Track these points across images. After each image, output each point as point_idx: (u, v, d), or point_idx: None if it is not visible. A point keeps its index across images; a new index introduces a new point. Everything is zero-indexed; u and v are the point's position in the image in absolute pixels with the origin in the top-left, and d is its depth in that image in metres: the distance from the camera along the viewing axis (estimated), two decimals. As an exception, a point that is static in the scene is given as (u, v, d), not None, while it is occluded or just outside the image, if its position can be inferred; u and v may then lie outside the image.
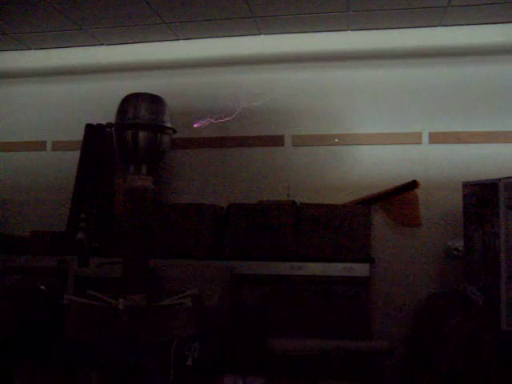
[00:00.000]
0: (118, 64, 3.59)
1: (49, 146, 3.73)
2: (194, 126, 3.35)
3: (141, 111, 2.32)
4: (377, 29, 3.22)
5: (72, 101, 3.68)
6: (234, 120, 3.36)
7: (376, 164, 3.23)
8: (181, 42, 3.49)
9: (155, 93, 2.43)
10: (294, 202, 3.10)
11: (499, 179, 1.98)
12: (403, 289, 3.10)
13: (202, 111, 3.38)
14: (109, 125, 2.42)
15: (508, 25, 3.07)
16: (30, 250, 3.18)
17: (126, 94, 2.41)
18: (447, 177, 3.10)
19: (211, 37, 3.41)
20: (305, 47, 3.35)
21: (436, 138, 3.17)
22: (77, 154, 3.39)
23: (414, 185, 3.04)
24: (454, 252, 2.80)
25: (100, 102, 3.51)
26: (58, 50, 3.65)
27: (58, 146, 3.70)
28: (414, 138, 3.19)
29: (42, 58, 3.70)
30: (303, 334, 2.69)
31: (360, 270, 2.84)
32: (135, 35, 3.39)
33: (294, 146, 3.36)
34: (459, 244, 2.72)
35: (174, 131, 2.48)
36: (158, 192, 2.89)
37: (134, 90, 2.43)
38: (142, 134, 2.31)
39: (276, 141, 3.37)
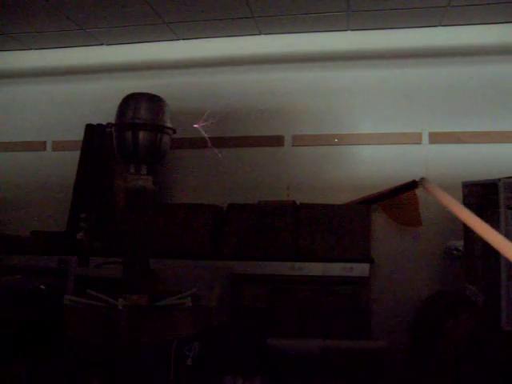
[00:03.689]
0: (118, 64, 3.59)
1: (49, 146, 3.73)
2: (194, 126, 3.34)
3: (141, 111, 2.31)
4: (377, 29, 3.22)
5: (72, 101, 3.68)
6: (233, 120, 3.36)
7: (376, 164, 3.23)
8: (181, 42, 3.49)
9: (155, 93, 2.43)
10: (293, 202, 3.10)
11: (499, 179, 1.98)
12: (403, 289, 3.10)
13: (202, 111, 3.38)
14: (109, 125, 2.41)
15: (508, 25, 3.07)
16: (30, 250, 3.18)
17: (126, 94, 2.41)
18: (447, 177, 3.09)
19: (211, 37, 3.40)
20: (305, 47, 3.34)
21: (436, 138, 3.17)
22: (77, 154, 3.39)
23: (413, 185, 3.04)
24: (454, 252, 2.80)
25: (100, 101, 3.51)
26: (59, 50, 3.65)
27: (58, 146, 3.70)
28: (414, 138, 3.19)
29: (43, 58, 3.70)
30: (303, 334, 2.69)
31: (360, 269, 2.85)
32: (135, 35, 3.39)
33: (293, 146, 3.36)
34: (459, 244, 2.72)
35: (174, 131, 2.47)
36: (158, 192, 2.89)
37: (133, 90, 2.43)
38: (142, 134, 2.30)
39: (276, 141, 3.37)
